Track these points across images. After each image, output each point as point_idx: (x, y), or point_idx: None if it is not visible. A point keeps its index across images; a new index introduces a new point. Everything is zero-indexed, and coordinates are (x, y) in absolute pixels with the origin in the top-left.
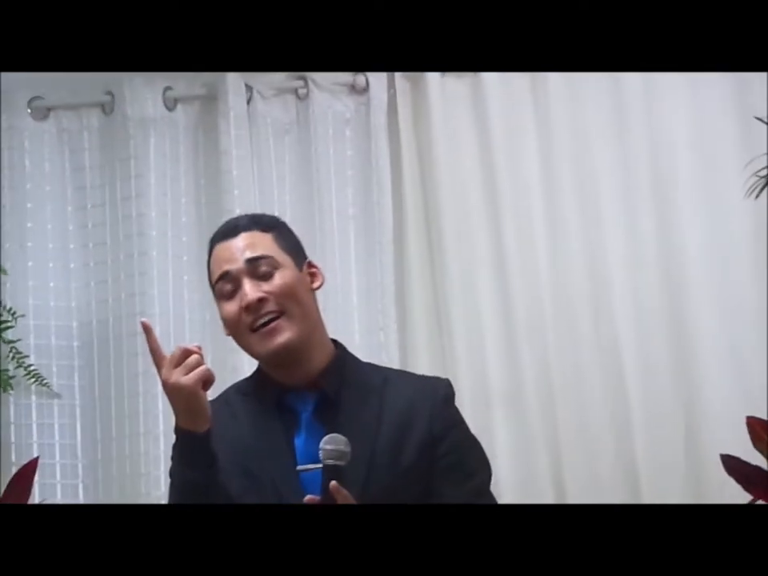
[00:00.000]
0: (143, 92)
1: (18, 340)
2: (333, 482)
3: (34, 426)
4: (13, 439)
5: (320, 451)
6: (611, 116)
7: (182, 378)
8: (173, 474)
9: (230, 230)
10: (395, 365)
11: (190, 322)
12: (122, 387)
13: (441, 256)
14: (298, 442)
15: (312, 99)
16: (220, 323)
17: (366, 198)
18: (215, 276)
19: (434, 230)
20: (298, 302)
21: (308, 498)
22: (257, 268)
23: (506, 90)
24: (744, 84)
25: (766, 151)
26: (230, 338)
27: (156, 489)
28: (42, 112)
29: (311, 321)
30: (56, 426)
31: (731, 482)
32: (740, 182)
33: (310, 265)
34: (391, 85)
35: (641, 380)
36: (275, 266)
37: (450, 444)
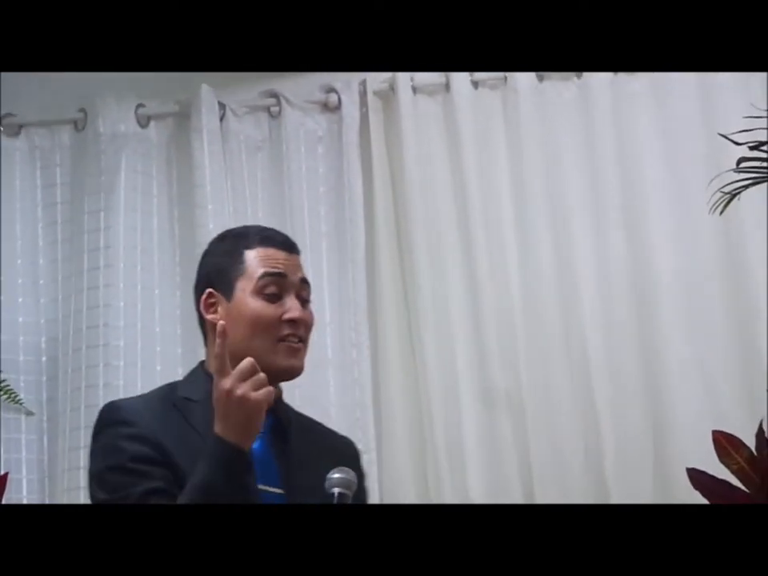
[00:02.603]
0: (116, 109)
1: None
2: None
3: (1, 442)
4: None
5: (328, 480)
6: (580, 131)
7: (252, 392)
8: (208, 485)
9: (286, 243)
10: (367, 381)
11: (162, 335)
12: (79, 399)
13: (413, 272)
14: (256, 459)
15: (284, 117)
16: (195, 339)
17: (338, 215)
18: (262, 270)
19: (406, 246)
20: (309, 339)
21: None
22: (303, 291)
23: (476, 108)
24: (711, 99)
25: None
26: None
27: None
28: (13, 129)
29: None
30: (23, 441)
31: (698, 495)
32: (708, 197)
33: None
34: (363, 103)
35: (610, 394)
36: (309, 298)
37: (363, 492)
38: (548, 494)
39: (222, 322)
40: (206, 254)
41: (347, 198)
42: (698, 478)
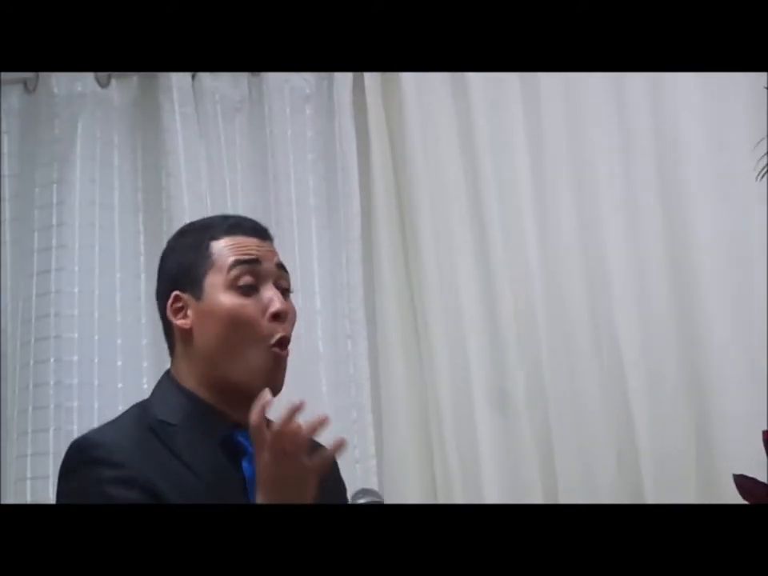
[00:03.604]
0: None
1: None
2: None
3: None
4: None
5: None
6: (609, 95)
7: (310, 464)
8: None
9: (256, 229)
10: (365, 377)
11: (122, 326)
12: (27, 400)
13: (416, 253)
14: (250, 484)
15: (266, 73)
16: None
17: (329, 187)
18: (232, 258)
19: (408, 222)
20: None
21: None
22: (282, 279)
23: None
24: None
25: None
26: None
27: None
28: None
29: None
30: None
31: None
32: (753, 163)
33: None
34: None
35: (646, 390)
36: (289, 287)
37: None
38: (575, 501)
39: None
40: (167, 254)
41: (339, 166)
42: (745, 485)
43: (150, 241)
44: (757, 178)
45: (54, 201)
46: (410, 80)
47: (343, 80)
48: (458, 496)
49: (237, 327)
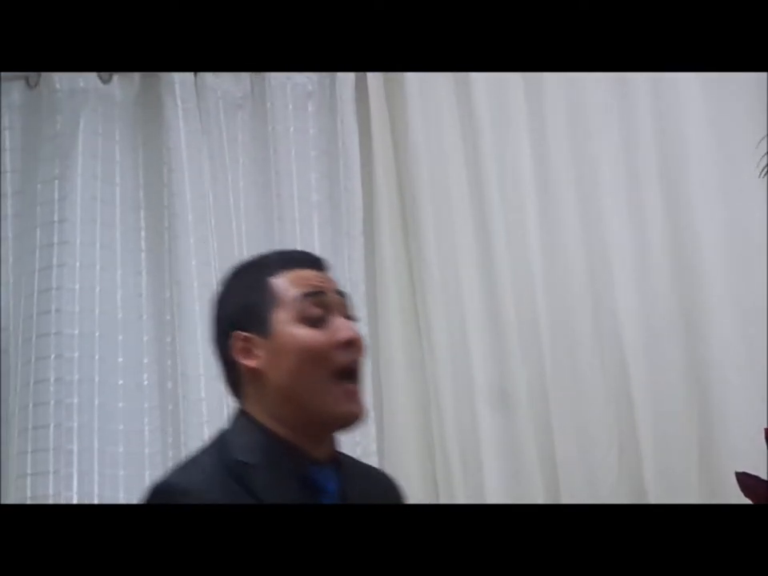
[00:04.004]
0: None
1: None
2: None
3: None
4: None
5: None
6: (612, 92)
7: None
8: None
9: (311, 260)
10: (366, 375)
11: (123, 322)
12: (27, 397)
13: (419, 250)
14: None
15: None
16: (162, 326)
17: (331, 184)
18: (298, 292)
19: (411, 219)
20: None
21: None
22: (345, 306)
23: None
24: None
25: None
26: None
27: None
28: None
29: None
30: None
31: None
32: (757, 159)
33: None
34: None
35: (648, 389)
36: (352, 313)
37: None
38: (577, 500)
39: None
40: (223, 296)
41: (342, 163)
42: (748, 482)
43: (151, 237)
44: (759, 175)
45: (56, 197)
46: (412, 77)
47: (345, 77)
48: (460, 495)
49: (310, 359)
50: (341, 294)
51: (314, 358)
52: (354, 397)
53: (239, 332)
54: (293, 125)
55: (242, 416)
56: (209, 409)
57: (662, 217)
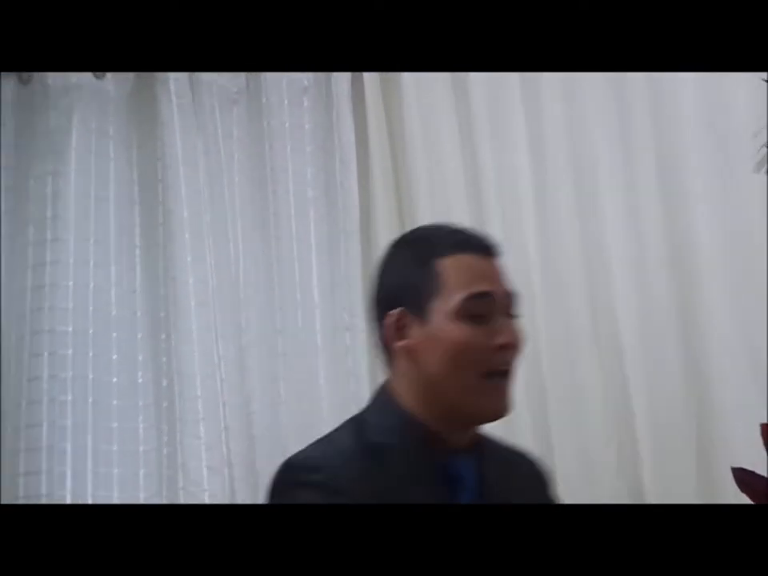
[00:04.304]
0: None
1: None
2: None
3: None
4: None
5: None
6: (609, 91)
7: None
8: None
9: (484, 246)
10: (363, 369)
11: (117, 319)
12: (20, 395)
13: None
14: None
15: None
16: (156, 322)
17: (327, 179)
18: (464, 292)
19: (408, 215)
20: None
21: None
22: (509, 306)
23: None
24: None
25: None
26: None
27: None
28: None
29: None
30: None
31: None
32: (752, 156)
33: None
34: None
35: (646, 385)
36: (516, 311)
37: None
38: (574, 499)
39: None
40: (388, 262)
41: (338, 158)
42: (744, 478)
43: (145, 234)
44: (757, 170)
45: (49, 193)
46: (409, 73)
47: (342, 73)
48: None
49: (463, 357)
50: (509, 293)
51: (468, 357)
52: (502, 394)
53: (401, 308)
54: (288, 120)
55: (384, 394)
56: (204, 406)
57: (659, 217)
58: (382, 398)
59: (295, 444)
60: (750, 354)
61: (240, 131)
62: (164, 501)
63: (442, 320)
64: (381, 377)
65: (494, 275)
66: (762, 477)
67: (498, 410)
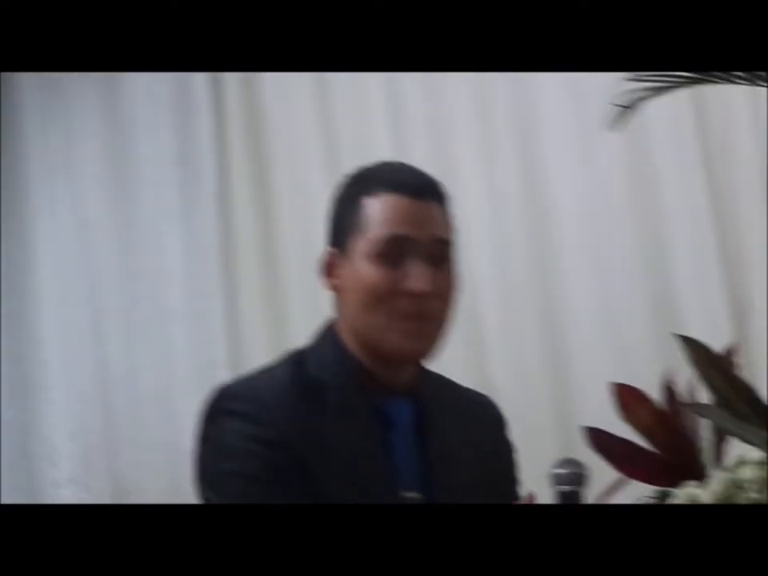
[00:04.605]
0: None
1: None
2: None
3: None
4: None
5: (553, 477)
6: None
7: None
8: None
9: (415, 187)
10: (221, 337)
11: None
12: None
13: (273, 209)
14: (398, 460)
15: None
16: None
17: (183, 144)
18: (382, 231)
19: (265, 178)
20: (450, 309)
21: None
22: (436, 252)
23: None
24: None
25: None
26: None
27: None
28: None
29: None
30: None
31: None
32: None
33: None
34: None
35: (504, 351)
36: (451, 257)
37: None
38: None
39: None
40: (334, 198)
41: (193, 124)
42: (596, 438)
43: None
44: (606, 128)
45: None
46: None
47: None
48: None
49: (370, 299)
50: (438, 240)
51: (373, 298)
52: (415, 336)
53: (331, 248)
54: (143, 86)
55: (327, 330)
56: (59, 374)
57: (514, 177)
58: (325, 333)
59: (152, 411)
60: (607, 316)
61: (95, 97)
62: (20, 468)
63: (358, 260)
64: (238, 342)
65: (420, 219)
66: (614, 435)
67: (412, 350)
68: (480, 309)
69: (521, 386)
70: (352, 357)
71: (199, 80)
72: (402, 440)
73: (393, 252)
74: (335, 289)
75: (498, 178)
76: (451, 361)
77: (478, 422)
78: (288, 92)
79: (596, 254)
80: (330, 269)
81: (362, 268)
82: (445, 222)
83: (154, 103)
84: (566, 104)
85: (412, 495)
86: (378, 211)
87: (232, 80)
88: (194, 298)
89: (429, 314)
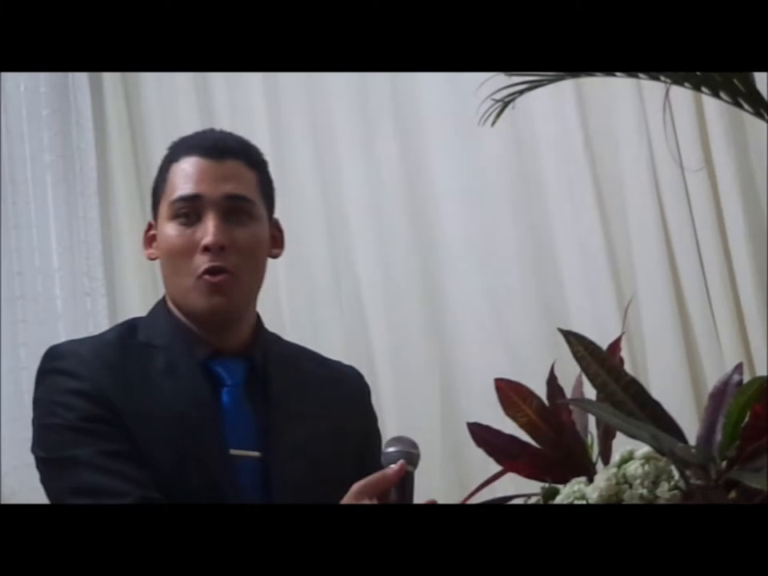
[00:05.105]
0: None
1: None
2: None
3: None
4: None
5: (384, 456)
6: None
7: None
8: None
9: (213, 148)
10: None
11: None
12: None
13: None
14: (227, 418)
15: None
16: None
17: (64, 143)
18: (176, 192)
19: (146, 177)
20: (256, 265)
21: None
22: (232, 208)
23: None
24: None
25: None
26: None
27: None
28: None
29: (257, 287)
30: None
31: None
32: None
33: (278, 227)
34: None
35: (388, 342)
36: (252, 214)
37: (377, 437)
38: None
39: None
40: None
41: (74, 120)
42: (479, 433)
43: None
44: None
45: None
46: None
47: None
48: None
49: (173, 258)
50: (232, 196)
51: (176, 258)
52: (212, 291)
53: (150, 220)
54: (23, 83)
55: (160, 302)
56: None
57: (396, 165)
58: (157, 305)
59: None
60: (492, 309)
61: None
62: None
63: (161, 223)
64: None
65: (215, 177)
66: (497, 431)
67: (212, 306)
68: (365, 304)
69: (406, 383)
70: (177, 320)
71: (80, 78)
72: (234, 398)
73: (188, 211)
74: (153, 258)
75: (381, 174)
76: (333, 347)
77: (329, 386)
78: (167, 85)
79: (482, 248)
80: (149, 241)
81: (164, 231)
82: (247, 180)
83: (35, 104)
84: (447, 99)
85: (248, 453)
86: (176, 174)
87: (110, 76)
88: (78, 296)
89: (224, 268)
